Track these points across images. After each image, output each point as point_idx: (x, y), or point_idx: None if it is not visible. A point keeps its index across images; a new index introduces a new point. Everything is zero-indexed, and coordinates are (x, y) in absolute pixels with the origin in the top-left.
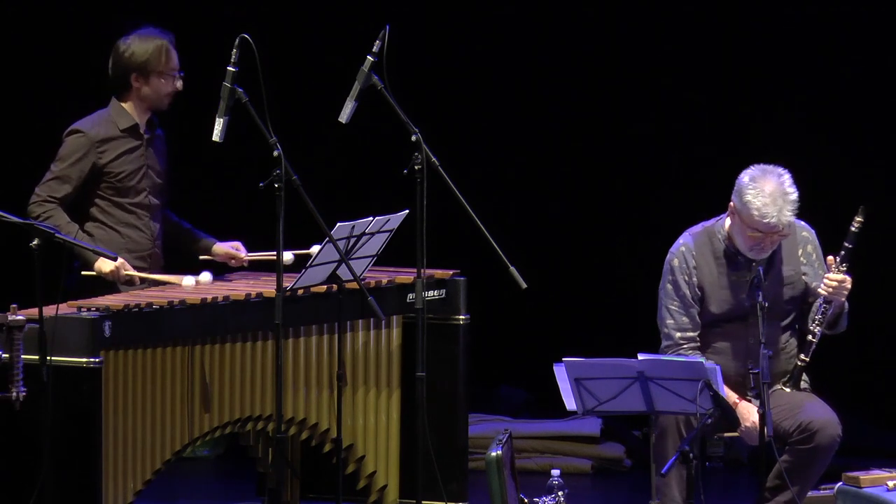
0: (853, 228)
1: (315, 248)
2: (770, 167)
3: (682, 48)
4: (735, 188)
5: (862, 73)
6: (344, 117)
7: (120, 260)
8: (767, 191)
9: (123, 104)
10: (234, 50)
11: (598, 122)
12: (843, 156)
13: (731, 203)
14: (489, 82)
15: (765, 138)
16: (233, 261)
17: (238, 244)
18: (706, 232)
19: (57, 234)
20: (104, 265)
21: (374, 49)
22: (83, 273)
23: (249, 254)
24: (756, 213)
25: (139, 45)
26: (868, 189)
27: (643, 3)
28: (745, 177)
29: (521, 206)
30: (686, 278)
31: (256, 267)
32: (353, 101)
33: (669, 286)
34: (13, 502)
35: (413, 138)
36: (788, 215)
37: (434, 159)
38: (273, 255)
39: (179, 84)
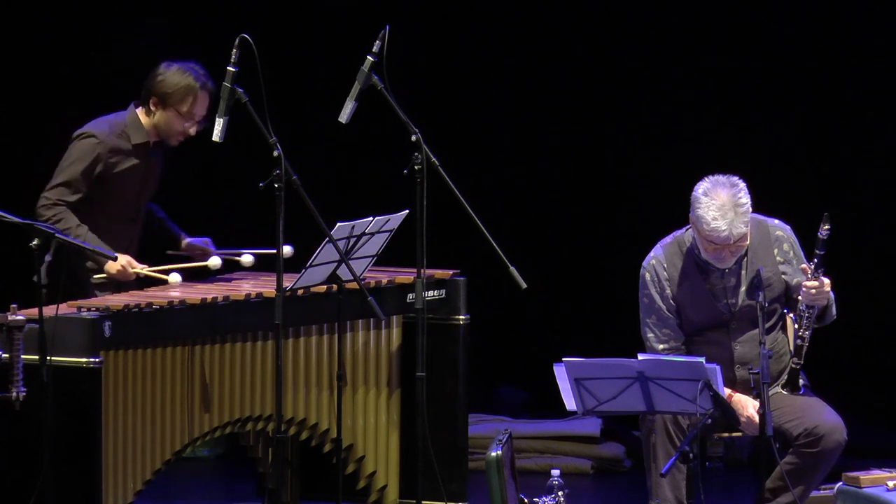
0: (821, 236)
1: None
2: (723, 178)
3: (682, 52)
4: (691, 201)
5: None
6: (344, 117)
7: (125, 258)
8: (718, 203)
9: (142, 118)
10: (234, 50)
11: (599, 122)
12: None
13: (690, 215)
14: (489, 82)
15: (764, 140)
16: (198, 256)
17: (207, 240)
18: (676, 242)
19: (57, 234)
20: (110, 267)
21: (374, 49)
22: (95, 278)
23: (217, 251)
24: (706, 226)
25: (173, 76)
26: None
27: (645, 6)
28: (698, 189)
29: (521, 206)
30: (659, 291)
31: (230, 268)
32: (352, 101)
33: (645, 300)
34: (13, 502)
35: (413, 138)
36: (741, 227)
37: (434, 159)
38: (236, 256)
39: (193, 130)
